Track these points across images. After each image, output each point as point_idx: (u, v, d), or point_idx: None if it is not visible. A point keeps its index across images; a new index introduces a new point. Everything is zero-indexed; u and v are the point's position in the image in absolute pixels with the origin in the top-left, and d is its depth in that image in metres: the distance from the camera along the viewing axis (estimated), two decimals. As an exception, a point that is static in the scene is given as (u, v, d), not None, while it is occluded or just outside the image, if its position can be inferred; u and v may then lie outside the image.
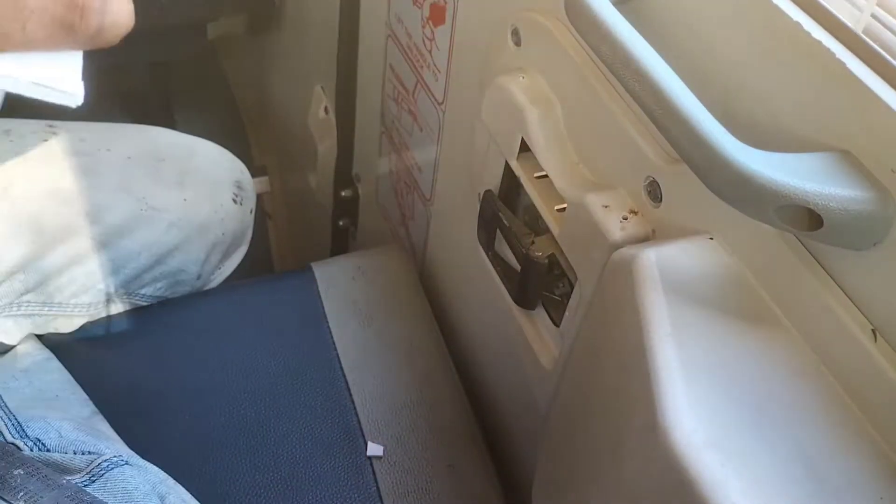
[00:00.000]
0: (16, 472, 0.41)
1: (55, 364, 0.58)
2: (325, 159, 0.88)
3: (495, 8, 0.48)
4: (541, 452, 0.47)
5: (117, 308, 0.65)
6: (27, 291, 0.59)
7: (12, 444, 0.46)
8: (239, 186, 0.70)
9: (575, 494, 0.41)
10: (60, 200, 0.59)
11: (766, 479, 0.28)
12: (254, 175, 0.74)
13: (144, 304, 0.66)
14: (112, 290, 0.63)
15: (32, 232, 0.58)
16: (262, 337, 0.63)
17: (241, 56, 1.12)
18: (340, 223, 0.90)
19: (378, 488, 0.55)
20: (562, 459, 0.43)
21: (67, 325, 0.63)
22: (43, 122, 0.60)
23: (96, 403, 0.56)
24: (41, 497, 0.41)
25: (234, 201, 0.70)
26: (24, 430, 0.48)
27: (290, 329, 0.63)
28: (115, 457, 0.48)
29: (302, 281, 0.68)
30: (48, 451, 0.47)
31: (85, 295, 0.62)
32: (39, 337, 0.61)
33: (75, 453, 0.48)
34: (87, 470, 0.46)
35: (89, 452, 0.48)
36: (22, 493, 0.41)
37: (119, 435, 0.53)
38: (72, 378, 0.58)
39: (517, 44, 0.46)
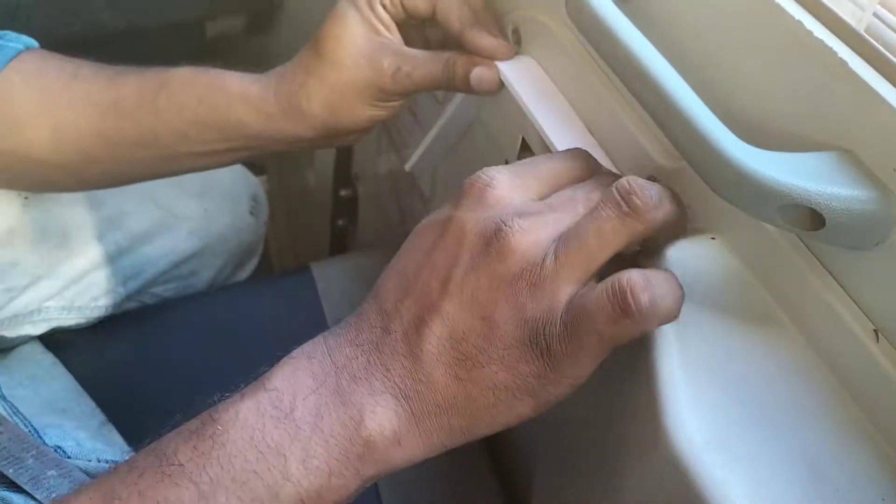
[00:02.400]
0: (49, 473, 0.42)
1: (60, 370, 0.58)
2: (323, 158, 0.88)
3: (496, 6, 0.48)
4: (541, 453, 0.47)
5: (127, 305, 0.66)
6: (50, 297, 0.60)
7: None
8: (255, 199, 0.73)
9: (575, 496, 0.41)
10: (87, 206, 0.60)
11: (767, 481, 0.28)
12: (253, 174, 0.75)
13: (152, 302, 0.67)
14: (126, 292, 0.64)
15: (59, 236, 0.59)
16: (261, 337, 0.62)
17: (239, 55, 1.12)
18: (339, 223, 0.90)
19: (377, 489, 0.55)
20: (562, 461, 0.43)
21: (80, 322, 0.63)
22: None
23: (99, 404, 0.56)
24: None
25: (251, 213, 0.73)
26: (41, 437, 0.48)
27: (289, 329, 0.63)
28: None
29: (301, 281, 0.68)
30: (69, 458, 0.47)
31: (104, 298, 0.63)
32: (41, 339, 0.61)
33: (99, 461, 0.48)
34: None
35: (110, 460, 0.48)
36: (54, 495, 0.41)
37: (125, 436, 0.53)
38: (78, 385, 0.57)
39: (518, 43, 0.46)
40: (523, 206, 0.32)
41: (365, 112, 0.47)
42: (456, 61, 0.45)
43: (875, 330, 0.29)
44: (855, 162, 0.28)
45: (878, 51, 0.28)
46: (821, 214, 0.27)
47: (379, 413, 0.30)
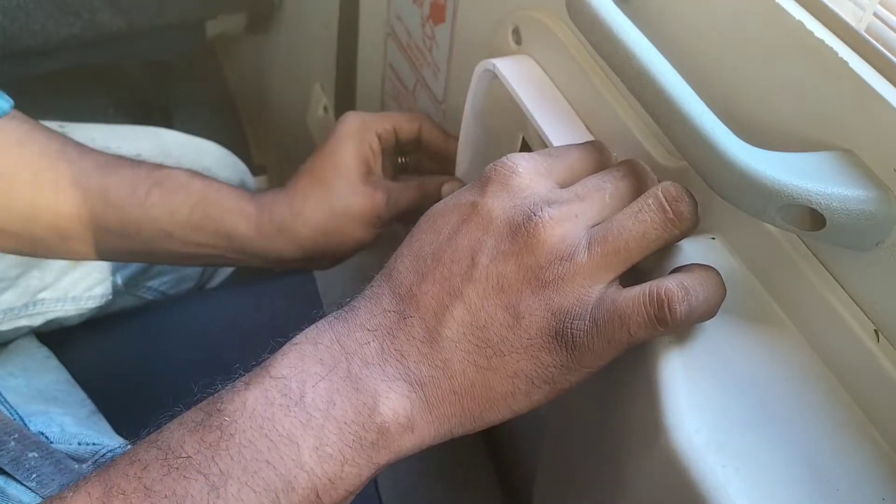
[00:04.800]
0: (30, 455, 0.42)
1: (54, 363, 0.58)
2: (324, 158, 0.88)
3: (496, 6, 0.48)
4: (541, 453, 0.47)
5: (124, 301, 0.66)
6: (44, 289, 0.60)
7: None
8: (243, 185, 0.72)
9: (576, 496, 0.41)
10: None
11: (767, 480, 0.28)
12: (253, 174, 0.75)
13: (149, 297, 0.67)
14: (121, 281, 0.64)
15: None
16: (262, 337, 0.62)
17: (239, 55, 1.12)
18: (339, 222, 0.90)
19: (377, 488, 0.55)
20: (563, 460, 0.43)
21: (76, 317, 0.63)
22: (54, 124, 0.60)
23: (94, 401, 0.56)
24: (52, 480, 0.41)
25: None
26: (26, 424, 0.48)
27: (289, 329, 0.63)
28: (119, 447, 0.48)
29: (302, 281, 0.68)
30: (51, 443, 0.47)
31: (98, 287, 0.63)
32: (37, 332, 0.61)
33: (79, 444, 0.48)
34: (93, 459, 0.46)
35: (93, 444, 0.48)
36: (35, 476, 0.41)
37: (117, 432, 0.53)
38: (70, 377, 0.57)
39: (518, 42, 0.46)
40: (550, 195, 0.32)
41: (357, 234, 0.52)
42: (426, 185, 0.53)
43: (875, 330, 0.29)
44: (855, 162, 0.28)
45: (878, 51, 0.28)
46: (821, 214, 0.27)
47: (393, 399, 0.30)
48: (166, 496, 0.27)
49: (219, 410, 0.30)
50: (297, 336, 0.32)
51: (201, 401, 0.31)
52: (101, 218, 0.50)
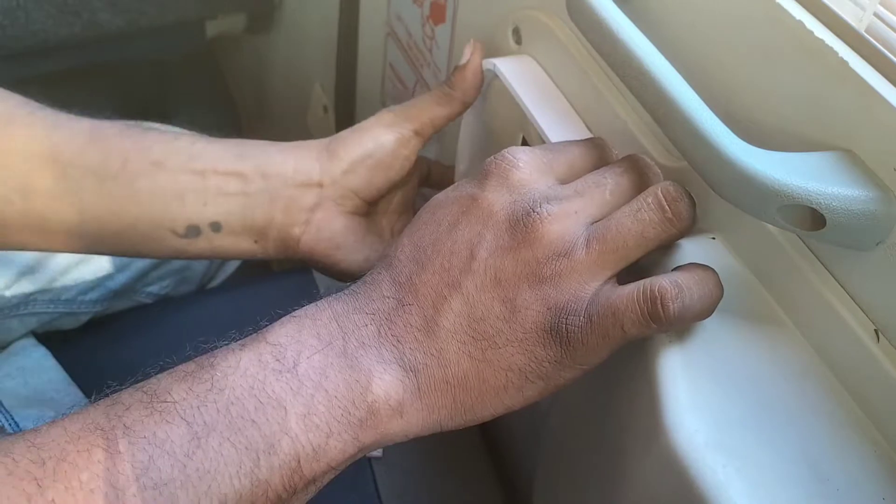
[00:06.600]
0: None
1: (51, 363, 0.58)
2: (324, 158, 0.88)
3: (496, 6, 0.48)
4: (541, 453, 0.47)
5: (122, 305, 0.65)
6: (36, 291, 0.59)
7: None
8: None
9: (576, 496, 0.41)
10: None
11: (768, 480, 0.28)
12: None
13: (149, 301, 0.67)
14: (118, 286, 0.63)
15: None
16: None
17: (239, 54, 1.12)
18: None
19: (377, 488, 0.55)
20: (563, 460, 0.43)
21: (72, 322, 0.63)
22: None
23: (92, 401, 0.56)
24: None
25: None
26: (20, 429, 0.48)
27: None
28: None
29: (302, 281, 0.68)
30: None
31: (92, 292, 0.62)
32: (35, 333, 0.61)
33: None
34: None
35: None
36: None
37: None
38: (68, 377, 0.57)
39: (518, 42, 0.46)
40: (550, 191, 0.33)
41: (399, 150, 0.45)
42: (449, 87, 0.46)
43: (875, 330, 0.29)
44: (855, 162, 0.28)
45: (878, 51, 0.28)
46: (821, 214, 0.27)
47: (386, 381, 0.30)
48: (145, 436, 0.27)
49: (211, 365, 0.30)
50: (297, 311, 0.32)
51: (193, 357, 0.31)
52: (80, 154, 0.43)
